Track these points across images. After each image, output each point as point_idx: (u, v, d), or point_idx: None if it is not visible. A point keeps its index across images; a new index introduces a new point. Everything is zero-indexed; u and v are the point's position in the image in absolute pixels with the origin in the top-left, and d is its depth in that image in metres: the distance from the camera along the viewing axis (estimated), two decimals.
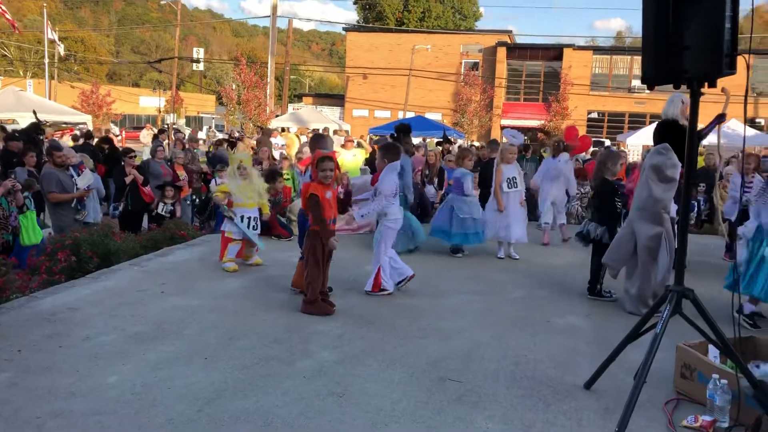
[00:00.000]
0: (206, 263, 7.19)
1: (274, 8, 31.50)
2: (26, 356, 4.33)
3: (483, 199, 9.00)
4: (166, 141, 16.45)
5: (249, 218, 7.11)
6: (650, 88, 3.53)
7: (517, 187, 8.30)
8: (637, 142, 28.29)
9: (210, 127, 45.36)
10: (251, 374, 4.22)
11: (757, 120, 35.59)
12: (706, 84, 3.37)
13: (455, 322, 5.53)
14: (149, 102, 55.94)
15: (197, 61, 43.73)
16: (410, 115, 37.56)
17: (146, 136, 22.67)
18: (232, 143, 15.24)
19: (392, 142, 7.84)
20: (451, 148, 15.06)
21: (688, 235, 3.54)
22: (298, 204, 9.38)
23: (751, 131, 26.53)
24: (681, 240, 3.53)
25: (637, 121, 37.27)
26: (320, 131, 25.21)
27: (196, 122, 55.12)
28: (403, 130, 8.99)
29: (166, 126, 21.79)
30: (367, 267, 6.72)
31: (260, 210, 7.38)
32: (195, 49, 53.11)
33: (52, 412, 3.55)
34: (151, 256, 7.40)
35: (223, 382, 4.06)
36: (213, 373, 4.20)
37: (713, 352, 4.26)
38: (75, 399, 3.73)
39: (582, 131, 36.42)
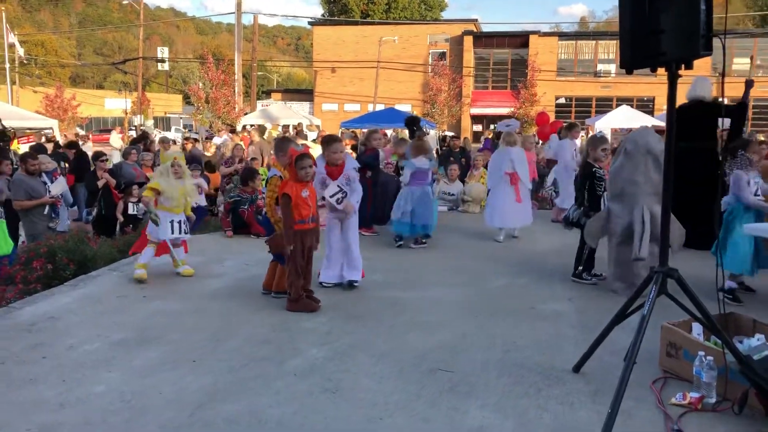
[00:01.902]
0: (188, 263, 7.10)
1: (239, 4, 31.17)
2: (9, 368, 4.24)
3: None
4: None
5: (179, 222, 6.75)
6: (629, 72, 3.56)
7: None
8: (605, 126, 28.61)
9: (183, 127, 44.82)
10: (241, 376, 4.19)
11: (719, 99, 36.15)
12: (683, 66, 3.41)
13: (440, 314, 5.55)
14: (115, 104, 55.15)
15: (162, 60, 43.14)
16: (380, 107, 37.50)
17: (116, 139, 22.33)
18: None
19: (334, 135, 7.77)
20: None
21: (670, 216, 3.58)
22: None
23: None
24: (664, 221, 3.57)
25: (604, 105, 37.70)
26: (291, 127, 25.08)
27: (163, 123, 54.41)
28: (413, 122, 9.16)
29: (143, 130, 21.44)
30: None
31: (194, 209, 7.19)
32: (159, 49, 52.34)
33: (42, 424, 3.49)
34: (130, 260, 7.27)
35: (213, 386, 4.03)
36: (202, 376, 4.17)
37: (697, 330, 4.34)
38: (64, 410, 3.67)
39: (551, 117, 36.82)
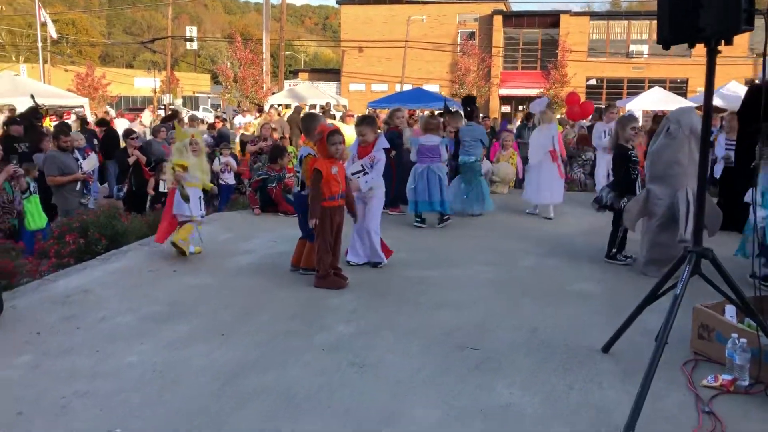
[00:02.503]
0: (216, 242, 7.18)
1: None
2: (45, 339, 4.34)
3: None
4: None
5: (199, 198, 6.69)
6: (666, 48, 3.48)
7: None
8: (637, 107, 28.11)
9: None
10: (270, 349, 4.23)
11: (757, 81, 35.31)
12: (722, 42, 3.32)
13: (467, 293, 5.53)
14: (144, 83, 55.49)
15: (191, 39, 43.24)
16: (408, 87, 37.29)
17: (148, 117, 22.51)
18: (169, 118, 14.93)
19: (371, 115, 7.77)
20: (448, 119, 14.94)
21: (706, 195, 3.52)
22: None
23: None
24: (699, 201, 3.51)
25: (635, 87, 36.96)
26: (318, 107, 25.05)
27: (191, 102, 54.72)
28: (469, 101, 9.63)
29: (173, 108, 21.56)
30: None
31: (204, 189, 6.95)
32: (188, 28, 52.49)
33: (77, 392, 3.57)
34: None
35: (243, 358, 4.08)
36: (231, 349, 4.22)
37: (730, 312, 4.28)
38: (98, 379, 3.75)
39: (581, 99, 36.25)
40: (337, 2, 46.95)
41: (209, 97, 59.20)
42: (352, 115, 15.66)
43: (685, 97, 30.05)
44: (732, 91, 26.02)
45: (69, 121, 16.26)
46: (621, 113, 24.74)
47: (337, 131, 5.42)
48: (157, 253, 6.66)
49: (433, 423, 3.32)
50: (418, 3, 43.90)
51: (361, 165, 6.05)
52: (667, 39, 3.41)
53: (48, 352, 4.13)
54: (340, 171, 5.54)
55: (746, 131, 5.50)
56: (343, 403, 3.52)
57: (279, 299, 5.26)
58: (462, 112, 10.35)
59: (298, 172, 5.93)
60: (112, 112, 30.86)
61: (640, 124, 16.45)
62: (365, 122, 6.36)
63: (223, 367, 3.95)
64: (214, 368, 3.92)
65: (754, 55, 36.59)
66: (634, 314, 4.06)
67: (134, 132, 11.46)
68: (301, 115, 16.88)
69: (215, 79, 70.65)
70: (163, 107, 34.97)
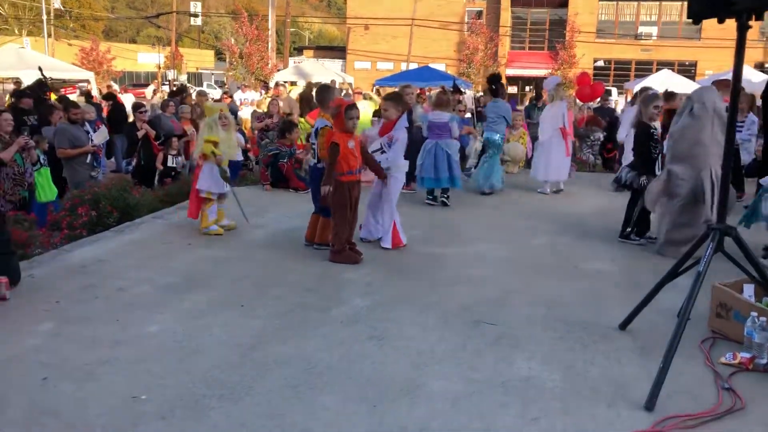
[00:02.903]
0: (229, 216, 7.15)
1: None
2: (65, 307, 4.36)
3: None
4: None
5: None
6: (696, 22, 3.45)
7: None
8: None
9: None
10: (288, 321, 4.25)
11: (767, 65, 35.07)
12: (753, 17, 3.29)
13: (482, 269, 5.54)
14: (148, 58, 55.11)
15: (195, 15, 43.00)
16: (414, 66, 37.04)
17: (151, 93, 22.42)
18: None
19: (398, 92, 7.74)
20: (461, 98, 14.86)
21: (729, 175, 3.51)
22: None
23: (760, 76, 26.14)
24: (724, 179, 3.50)
25: (643, 69, 36.69)
26: (304, 85, 24.88)
27: (195, 78, 54.46)
28: (495, 79, 9.55)
29: (180, 84, 21.44)
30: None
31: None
32: (192, 3, 52.10)
33: (100, 359, 3.59)
34: (173, 210, 7.40)
35: (262, 329, 4.10)
36: (251, 320, 4.24)
37: (748, 291, 4.29)
38: (120, 347, 3.77)
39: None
40: None
41: (213, 74, 58.89)
42: (360, 93, 15.60)
43: (694, 80, 29.86)
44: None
45: (73, 96, 16.26)
46: (629, 95, 24.51)
47: (354, 105, 5.40)
48: (171, 226, 6.68)
49: (455, 395, 3.33)
50: None
51: (380, 144, 6.02)
52: (697, 12, 3.38)
53: (68, 320, 4.15)
54: (357, 145, 5.53)
55: None
56: (364, 374, 3.54)
57: (294, 272, 5.27)
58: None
59: (314, 144, 5.91)
60: (116, 87, 30.75)
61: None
62: (389, 99, 6.30)
63: (243, 337, 3.97)
64: (234, 338, 3.95)
65: (765, 38, 36.31)
66: (653, 292, 4.06)
67: (143, 106, 11.41)
68: (317, 87, 16.83)
69: (219, 56, 70.28)
70: (167, 83, 34.83)
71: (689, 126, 5.82)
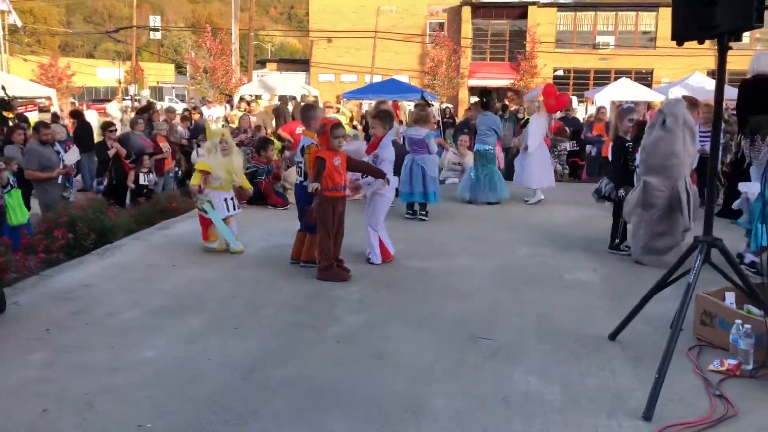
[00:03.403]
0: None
1: None
2: (56, 335, 4.30)
3: None
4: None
5: (231, 199, 6.63)
6: (680, 44, 3.58)
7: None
8: (605, 98, 28.50)
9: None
10: (285, 341, 4.26)
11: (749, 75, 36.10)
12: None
13: (469, 282, 5.62)
14: (107, 73, 54.33)
15: (156, 29, 42.56)
16: (378, 78, 37.19)
17: (115, 109, 22.11)
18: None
19: (387, 109, 7.83)
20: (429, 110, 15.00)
21: (715, 187, 3.64)
22: (292, 172, 9.35)
23: (714, 83, 26.92)
24: (710, 191, 3.63)
25: (602, 78, 37.46)
26: (288, 97, 24.86)
27: (156, 92, 53.80)
28: (487, 93, 9.86)
29: (147, 101, 21.18)
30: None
31: (241, 187, 6.96)
32: (151, 17, 51.56)
33: (99, 388, 3.55)
34: (153, 230, 7.32)
35: (260, 351, 4.10)
36: (247, 342, 4.23)
37: (729, 299, 4.44)
38: (118, 374, 3.74)
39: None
40: None
41: (173, 88, 58.28)
42: (331, 107, 15.64)
43: (651, 87, 30.61)
44: (697, 82, 26.60)
45: (33, 114, 15.96)
46: (589, 104, 24.86)
47: (339, 124, 5.45)
48: (153, 247, 6.61)
49: (459, 412, 3.38)
50: None
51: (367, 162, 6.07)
52: (681, 34, 3.51)
53: (61, 348, 4.09)
54: (343, 163, 5.57)
55: (744, 123, 5.69)
56: (368, 394, 3.57)
57: (284, 292, 5.28)
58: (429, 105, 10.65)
59: (300, 162, 5.92)
60: (76, 103, 30.20)
61: (608, 115, 16.80)
62: (376, 116, 6.34)
63: (242, 359, 3.96)
64: (233, 361, 3.94)
65: (716, 47, 37.46)
66: (641, 303, 4.18)
67: (113, 125, 11.28)
68: (261, 107, 16.85)
69: (179, 69, 69.56)
70: (129, 98, 34.36)
71: (663, 138, 6.00)
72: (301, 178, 5.95)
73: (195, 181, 6.44)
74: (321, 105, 15.39)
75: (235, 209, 6.63)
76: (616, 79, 32.37)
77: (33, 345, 4.12)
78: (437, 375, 3.82)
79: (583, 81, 38.81)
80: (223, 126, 14.46)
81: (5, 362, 3.88)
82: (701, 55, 36.40)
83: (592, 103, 28.34)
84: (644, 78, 35.84)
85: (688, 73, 30.35)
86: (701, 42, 3.61)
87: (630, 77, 31.93)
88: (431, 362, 3.98)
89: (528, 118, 12.76)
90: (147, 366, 3.86)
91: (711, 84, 26.12)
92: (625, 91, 26.56)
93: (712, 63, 36.75)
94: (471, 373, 3.86)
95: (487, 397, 3.56)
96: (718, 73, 3.51)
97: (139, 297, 5.06)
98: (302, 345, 4.20)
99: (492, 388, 3.66)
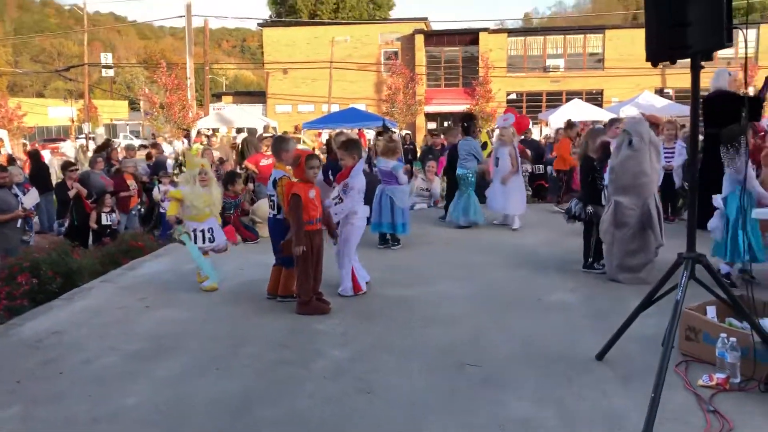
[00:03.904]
0: (179, 273, 6.95)
1: (188, 7, 30.61)
2: (28, 386, 4.10)
3: (452, 185, 9.92)
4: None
5: (203, 231, 6.48)
6: (654, 65, 3.65)
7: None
8: (559, 120, 29.05)
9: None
10: (270, 380, 4.14)
11: (666, 90, 37.29)
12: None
13: (450, 308, 5.58)
14: (59, 112, 53.38)
15: (109, 66, 42.04)
16: (335, 108, 37.33)
17: (69, 148, 21.68)
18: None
19: (355, 139, 7.80)
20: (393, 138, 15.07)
21: (696, 203, 3.69)
22: (261, 205, 9.24)
23: (662, 101, 27.74)
24: (691, 208, 3.68)
25: (554, 100, 38.32)
26: (245, 130, 24.79)
27: (110, 130, 53.00)
28: (469, 118, 10.01)
29: (105, 139, 20.77)
30: None
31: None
32: (102, 55, 51.02)
33: None
34: (120, 271, 7.11)
35: (245, 391, 3.98)
36: (231, 383, 4.10)
37: (710, 313, 4.49)
38: (99, 425, 3.57)
39: (501, 112, 37.18)
40: (259, 25, 46.73)
41: (128, 124, 57.56)
42: (298, 140, 15.59)
43: (601, 107, 31.38)
44: (646, 101, 27.34)
45: None
46: (543, 126, 25.35)
47: (314, 155, 5.40)
48: (123, 288, 6.41)
49: None
50: (341, 24, 44.25)
51: (337, 191, 6.00)
52: (655, 54, 3.58)
53: (36, 400, 3.89)
54: (317, 195, 5.51)
55: (710, 137, 5.87)
56: (362, 431, 3.48)
57: (263, 328, 5.15)
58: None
59: (272, 195, 5.84)
60: (27, 144, 29.52)
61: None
62: (343, 146, 6.27)
63: (228, 401, 3.83)
64: (220, 403, 3.81)
65: (662, 66, 38.70)
66: (628, 321, 4.19)
67: (73, 164, 11.03)
68: (218, 140, 16.75)
69: (132, 106, 68.81)
70: (83, 137, 33.70)
71: (630, 158, 6.10)
72: (274, 212, 5.86)
73: (172, 211, 6.34)
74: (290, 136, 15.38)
75: (206, 242, 6.47)
76: (567, 100, 33.13)
77: (5, 399, 3.91)
78: (431, 406, 3.75)
79: (535, 104, 39.59)
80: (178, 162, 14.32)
81: None
82: (647, 74, 37.60)
83: (547, 124, 28.95)
84: (595, 98, 36.76)
85: (635, 93, 31.25)
86: (673, 62, 3.69)
87: (581, 98, 32.73)
88: (422, 394, 3.91)
89: (485, 141, 12.81)
90: (130, 414, 3.70)
91: (660, 102, 26.94)
92: (577, 111, 27.17)
93: (657, 82, 37.98)
94: (465, 402, 3.80)
95: (486, 425, 3.51)
96: (693, 91, 3.57)
97: (114, 341, 4.87)
98: (289, 383, 4.09)
99: (488, 417, 3.60)
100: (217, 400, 3.85)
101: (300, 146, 14.33)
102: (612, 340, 4.28)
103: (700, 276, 3.84)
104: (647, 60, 3.61)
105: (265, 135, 16.71)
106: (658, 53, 3.57)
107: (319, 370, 4.30)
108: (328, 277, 6.11)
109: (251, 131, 17.25)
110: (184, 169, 7.54)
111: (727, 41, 3.41)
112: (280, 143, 5.88)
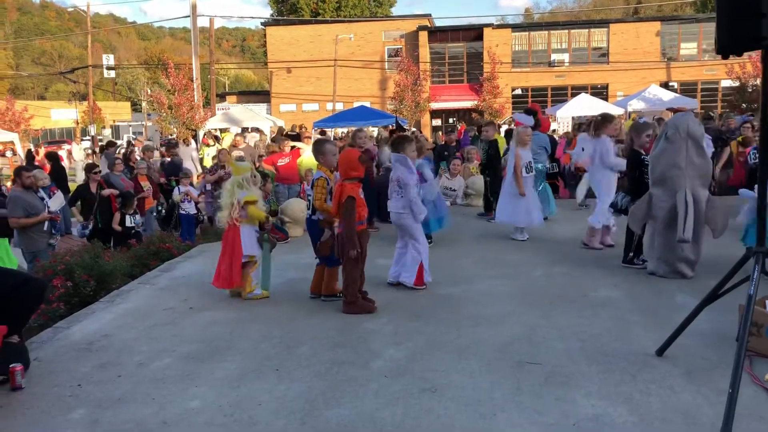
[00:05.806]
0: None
1: (194, 7, 30.53)
2: (89, 390, 4.07)
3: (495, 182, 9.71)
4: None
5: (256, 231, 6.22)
6: (725, 57, 3.61)
7: (532, 171, 8.43)
8: (566, 114, 29.05)
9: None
10: (332, 380, 4.11)
11: (671, 83, 37.21)
12: None
13: (497, 307, 5.55)
14: (62, 114, 53.39)
15: (112, 68, 41.99)
16: (339, 106, 37.32)
17: (77, 151, 21.63)
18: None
19: (408, 136, 7.73)
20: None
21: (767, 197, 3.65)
22: (289, 204, 9.21)
23: (669, 94, 27.70)
24: (761, 201, 3.64)
25: (559, 94, 38.30)
26: (250, 129, 24.66)
27: (113, 131, 52.98)
28: (533, 113, 9.83)
29: (109, 139, 20.77)
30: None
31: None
32: (105, 56, 50.94)
33: None
34: (156, 273, 7.08)
35: (309, 392, 3.94)
36: (293, 384, 4.07)
37: None
38: (169, 428, 3.55)
39: (508, 108, 37.15)
40: (262, 24, 46.66)
41: (130, 126, 57.50)
42: (309, 136, 15.55)
43: (607, 101, 31.31)
44: (653, 94, 27.31)
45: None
46: (550, 120, 25.45)
47: (363, 153, 5.36)
48: (162, 290, 6.39)
49: None
50: (344, 22, 44.16)
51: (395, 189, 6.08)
52: (726, 47, 3.54)
53: (100, 404, 3.86)
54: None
55: None
56: (436, 430, 3.45)
57: (313, 328, 5.12)
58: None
59: (310, 195, 5.81)
60: (32, 146, 29.48)
61: (570, 129, 16.76)
62: (395, 143, 6.28)
63: (294, 402, 3.80)
64: (285, 405, 3.78)
65: (666, 59, 38.64)
66: (691, 316, 4.16)
67: (96, 166, 11.02)
68: (225, 143, 16.69)
69: (134, 107, 68.70)
70: (89, 138, 33.70)
71: (664, 150, 6.08)
72: (309, 212, 5.84)
73: (262, 214, 6.07)
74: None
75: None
76: (573, 95, 33.11)
77: (69, 402, 3.89)
78: (498, 404, 3.72)
79: (541, 98, 39.49)
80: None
81: (43, 424, 3.65)
82: (652, 68, 37.65)
83: (554, 119, 28.89)
84: (600, 92, 36.70)
85: (640, 87, 31.24)
86: (739, 54, 3.64)
87: (586, 92, 32.65)
88: (488, 392, 3.88)
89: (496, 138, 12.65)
90: (197, 416, 3.67)
91: (667, 95, 26.89)
92: (585, 106, 27.11)
93: (663, 75, 37.95)
94: (532, 400, 3.77)
95: (558, 423, 3.48)
96: (763, 84, 3.53)
97: (165, 344, 4.85)
98: (351, 383, 4.06)
99: (559, 415, 3.57)
100: (282, 401, 3.82)
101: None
102: (673, 335, 4.25)
103: None
104: (717, 53, 3.56)
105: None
106: (730, 45, 3.52)
107: (378, 369, 4.27)
108: (369, 275, 6.08)
109: (279, 130, 17.18)
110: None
111: None
112: (318, 146, 5.85)
